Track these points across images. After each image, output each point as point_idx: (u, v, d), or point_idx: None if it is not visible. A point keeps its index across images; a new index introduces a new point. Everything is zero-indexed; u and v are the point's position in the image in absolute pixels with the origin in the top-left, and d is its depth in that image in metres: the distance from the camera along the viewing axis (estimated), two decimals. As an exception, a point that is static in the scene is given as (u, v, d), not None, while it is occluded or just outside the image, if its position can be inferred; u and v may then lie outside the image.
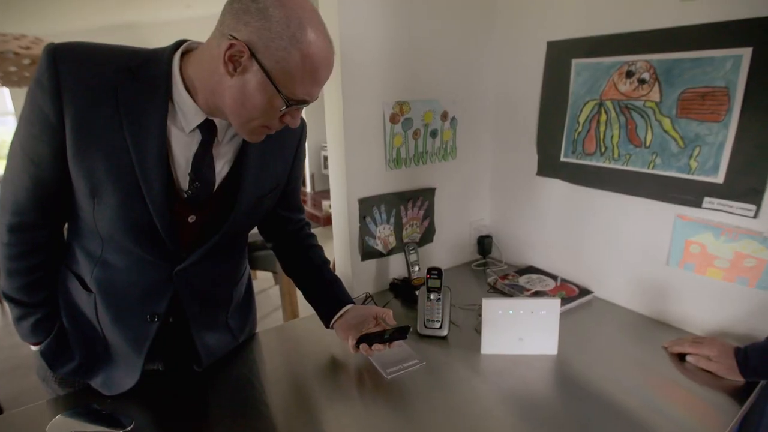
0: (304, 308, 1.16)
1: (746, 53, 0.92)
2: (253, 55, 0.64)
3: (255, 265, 2.49)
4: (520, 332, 1.01)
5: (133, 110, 0.70)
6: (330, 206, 1.36)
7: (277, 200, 0.96)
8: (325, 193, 4.84)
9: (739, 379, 0.91)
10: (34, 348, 0.88)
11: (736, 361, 0.91)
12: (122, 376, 0.87)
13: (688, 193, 1.05)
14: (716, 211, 1.02)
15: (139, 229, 0.76)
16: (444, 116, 1.35)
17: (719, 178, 1.00)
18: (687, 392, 0.90)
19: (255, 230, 1.01)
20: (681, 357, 0.99)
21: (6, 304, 0.86)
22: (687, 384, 0.92)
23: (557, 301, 1.00)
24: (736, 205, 0.98)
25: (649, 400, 0.87)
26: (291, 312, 2.48)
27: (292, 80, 0.66)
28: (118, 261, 0.80)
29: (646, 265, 1.17)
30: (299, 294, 1.06)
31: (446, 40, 1.29)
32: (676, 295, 1.12)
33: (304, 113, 0.81)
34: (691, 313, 1.10)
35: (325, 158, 4.48)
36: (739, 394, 0.88)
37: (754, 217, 0.96)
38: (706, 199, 1.02)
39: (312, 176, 5.18)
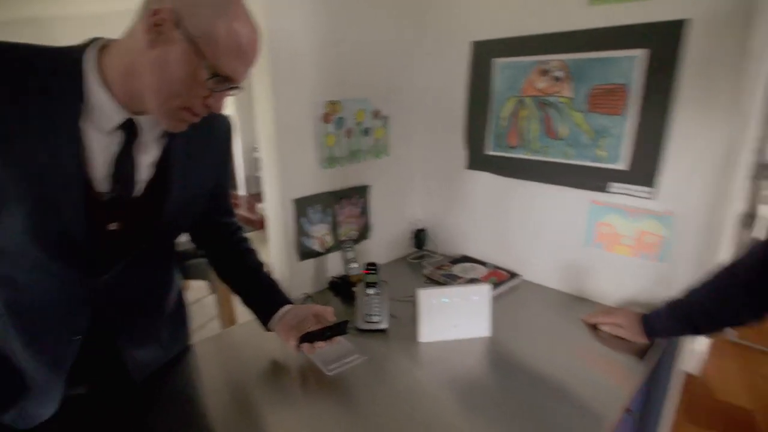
0: (243, 316, 1.13)
1: (643, 54, 1.02)
2: (178, 23, 0.61)
3: (187, 275, 2.37)
4: (455, 318, 1.06)
5: (39, 113, 0.65)
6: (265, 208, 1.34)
7: (208, 204, 0.93)
8: (260, 196, 4.70)
9: (645, 341, 1.02)
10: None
11: (642, 325, 1.02)
12: (39, 406, 0.80)
13: (598, 180, 1.16)
14: (621, 195, 1.13)
15: (54, 240, 0.70)
16: (376, 114, 1.37)
17: (623, 165, 1.11)
18: (603, 357, 1.00)
19: (185, 237, 0.97)
20: (597, 327, 1.10)
21: None
22: (603, 350, 1.02)
23: (487, 287, 1.06)
24: (637, 189, 1.10)
25: (572, 368, 0.95)
26: (229, 321, 2.40)
27: (218, 50, 0.63)
28: (30, 278, 0.73)
29: (566, 247, 1.27)
30: (238, 301, 1.04)
31: (377, 40, 1.32)
32: (592, 272, 1.23)
33: (235, 113, 0.79)
34: (604, 288, 1.22)
35: (257, 160, 4.36)
36: (645, 353, 0.99)
37: (652, 198, 1.08)
38: (612, 185, 1.13)
39: (246, 179, 5.02)
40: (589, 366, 0.97)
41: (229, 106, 0.73)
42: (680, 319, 0.96)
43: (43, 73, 0.65)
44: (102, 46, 0.69)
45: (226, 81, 0.67)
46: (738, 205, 0.97)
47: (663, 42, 0.99)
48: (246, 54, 0.67)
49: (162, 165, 0.78)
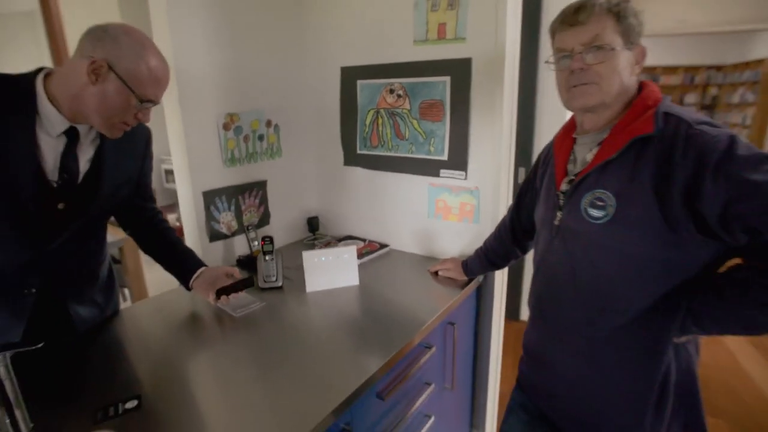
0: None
1: (448, 80, 1.49)
2: (111, 67, 0.92)
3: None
4: (332, 272, 1.43)
5: (4, 123, 0.91)
6: (177, 219, 1.61)
7: (134, 192, 1.21)
8: (170, 207, 4.74)
9: (465, 278, 1.47)
10: None
11: (463, 268, 1.47)
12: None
13: (432, 168, 1.61)
14: (448, 178, 1.59)
15: (14, 218, 0.96)
16: (268, 123, 1.72)
17: (446, 156, 1.57)
18: (440, 291, 1.43)
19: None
20: (436, 273, 1.54)
21: None
22: (439, 287, 1.46)
23: (353, 247, 1.45)
24: (456, 173, 1.56)
25: (415, 299, 1.37)
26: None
27: (142, 84, 0.95)
28: (-7, 245, 0.98)
29: (417, 220, 1.71)
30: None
31: (266, 63, 1.67)
32: (436, 236, 1.68)
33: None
34: (445, 247, 1.67)
35: (167, 171, 4.44)
36: (466, 285, 1.45)
37: (465, 179, 1.55)
38: (441, 171, 1.59)
39: (153, 192, 5.01)
40: (428, 297, 1.39)
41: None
42: (482, 259, 1.42)
43: (6, 94, 0.92)
44: (46, 73, 0.97)
45: (150, 102, 0.99)
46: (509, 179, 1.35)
47: (459, 71, 1.46)
48: (162, 82, 0.99)
49: (96, 160, 1.07)
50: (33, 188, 0.96)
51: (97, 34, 0.92)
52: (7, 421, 0.82)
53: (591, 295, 0.88)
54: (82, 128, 1.01)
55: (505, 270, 1.62)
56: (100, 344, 1.15)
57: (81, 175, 1.05)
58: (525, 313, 3.11)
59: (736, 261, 0.77)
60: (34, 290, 1.03)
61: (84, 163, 1.05)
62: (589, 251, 0.88)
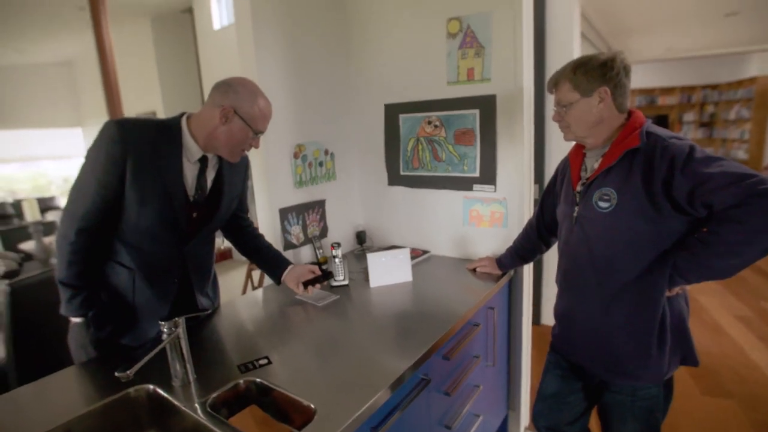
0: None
1: (478, 112, 1.84)
2: (236, 112, 1.26)
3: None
4: (390, 270, 1.74)
5: (163, 153, 1.25)
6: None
7: (236, 205, 1.55)
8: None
9: (499, 272, 1.78)
10: (77, 320, 1.30)
11: (497, 263, 1.78)
12: (149, 329, 1.34)
13: (466, 184, 1.94)
14: (479, 192, 1.91)
15: (168, 223, 1.29)
16: (326, 152, 2.07)
17: (478, 174, 1.90)
18: (479, 284, 1.73)
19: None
20: (474, 270, 1.84)
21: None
22: (477, 282, 1.76)
23: (407, 249, 1.77)
24: (486, 187, 1.89)
25: (464, 291, 1.67)
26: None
27: (256, 121, 1.28)
28: (152, 246, 1.30)
29: (453, 228, 2.03)
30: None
31: (324, 104, 2.03)
32: (471, 241, 2.00)
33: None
34: (478, 249, 1.98)
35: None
36: (500, 278, 1.75)
37: (495, 191, 1.88)
38: (474, 186, 1.92)
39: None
40: (470, 288, 1.70)
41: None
42: (513, 255, 1.73)
43: (164, 132, 1.27)
44: (187, 116, 1.32)
45: (260, 133, 1.33)
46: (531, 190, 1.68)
47: (486, 105, 1.81)
48: (268, 117, 1.33)
49: (217, 180, 1.40)
50: (180, 201, 1.29)
51: (224, 88, 1.27)
52: (182, 371, 1.14)
53: (603, 265, 1.19)
54: (210, 155, 1.35)
55: (531, 267, 1.93)
56: (221, 324, 1.47)
57: (207, 192, 1.38)
58: (545, 319, 3.37)
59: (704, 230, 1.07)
60: (176, 280, 1.36)
61: (209, 182, 1.38)
62: (601, 233, 1.19)
